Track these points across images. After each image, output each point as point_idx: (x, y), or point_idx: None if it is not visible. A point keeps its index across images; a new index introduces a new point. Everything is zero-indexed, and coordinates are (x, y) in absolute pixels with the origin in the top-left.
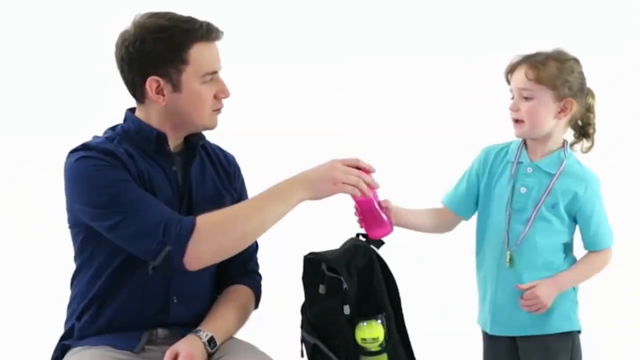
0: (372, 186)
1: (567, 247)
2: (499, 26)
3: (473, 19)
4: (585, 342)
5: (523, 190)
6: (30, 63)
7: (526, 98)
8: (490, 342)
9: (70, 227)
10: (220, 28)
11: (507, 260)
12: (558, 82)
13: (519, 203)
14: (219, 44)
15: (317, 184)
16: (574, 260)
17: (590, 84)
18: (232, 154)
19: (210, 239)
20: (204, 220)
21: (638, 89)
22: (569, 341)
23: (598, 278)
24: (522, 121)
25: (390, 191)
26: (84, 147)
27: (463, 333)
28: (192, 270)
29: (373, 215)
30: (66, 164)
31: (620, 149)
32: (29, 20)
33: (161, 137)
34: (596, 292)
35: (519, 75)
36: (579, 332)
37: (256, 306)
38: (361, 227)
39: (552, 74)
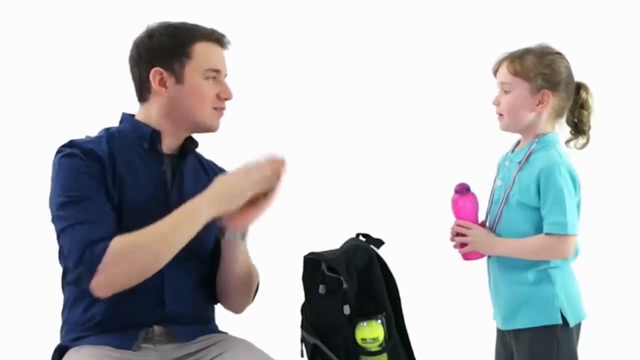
0: (473, 208)
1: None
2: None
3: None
4: (586, 340)
5: (499, 183)
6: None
7: (506, 92)
8: (497, 333)
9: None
10: (230, 39)
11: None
12: (532, 74)
13: (496, 196)
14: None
15: (225, 200)
16: None
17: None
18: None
19: (122, 262)
20: (118, 242)
21: None
22: (551, 335)
23: (598, 279)
24: (502, 115)
25: (391, 193)
26: (70, 144)
27: (463, 333)
28: (103, 297)
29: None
30: (53, 160)
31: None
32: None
33: (155, 135)
34: (596, 293)
35: (501, 71)
36: (567, 325)
37: (252, 298)
38: (455, 246)
39: (528, 66)
